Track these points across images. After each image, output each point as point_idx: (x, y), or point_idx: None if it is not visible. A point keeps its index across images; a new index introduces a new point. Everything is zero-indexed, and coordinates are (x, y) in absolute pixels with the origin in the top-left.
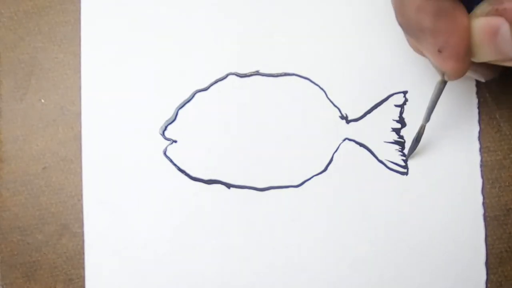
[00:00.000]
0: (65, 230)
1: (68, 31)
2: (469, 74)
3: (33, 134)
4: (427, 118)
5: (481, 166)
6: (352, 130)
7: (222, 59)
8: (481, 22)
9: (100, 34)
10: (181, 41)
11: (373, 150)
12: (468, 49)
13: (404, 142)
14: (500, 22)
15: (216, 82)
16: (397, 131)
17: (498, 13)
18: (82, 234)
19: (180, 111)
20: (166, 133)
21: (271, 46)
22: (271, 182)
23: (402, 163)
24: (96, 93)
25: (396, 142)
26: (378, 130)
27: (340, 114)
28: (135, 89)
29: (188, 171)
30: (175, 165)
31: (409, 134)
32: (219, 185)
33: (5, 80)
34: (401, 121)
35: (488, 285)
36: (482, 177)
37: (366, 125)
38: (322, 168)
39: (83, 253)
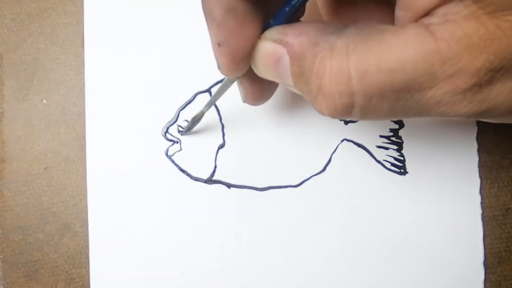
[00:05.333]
0: (67, 230)
1: (70, 33)
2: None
3: (35, 134)
4: (208, 106)
5: (479, 166)
6: (350, 131)
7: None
8: (267, 47)
9: (103, 35)
10: (182, 42)
11: (371, 150)
12: (245, 57)
13: (402, 142)
14: (282, 52)
15: (217, 83)
16: (394, 131)
17: (282, 43)
18: (83, 234)
19: (181, 112)
20: (167, 134)
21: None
22: (271, 182)
23: (400, 164)
24: (99, 95)
25: (394, 143)
26: (376, 131)
27: None
28: (137, 91)
29: (189, 171)
30: (176, 165)
31: (407, 135)
32: (220, 185)
33: (7, 81)
34: (399, 121)
35: (487, 284)
36: (481, 177)
37: (364, 126)
38: (321, 168)
39: (85, 253)
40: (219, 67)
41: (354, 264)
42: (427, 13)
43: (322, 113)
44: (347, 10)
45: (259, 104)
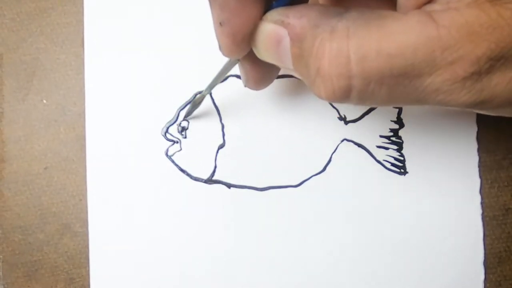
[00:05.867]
0: (67, 230)
1: (70, 33)
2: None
3: (35, 134)
4: (209, 90)
5: (479, 166)
6: (350, 131)
7: (223, 60)
8: (268, 28)
9: (103, 35)
10: (182, 42)
11: (371, 150)
12: (246, 38)
13: (402, 142)
14: (283, 34)
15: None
16: (395, 131)
17: (283, 25)
18: (83, 234)
19: (181, 112)
20: (167, 134)
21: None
22: (271, 182)
23: (400, 164)
24: (99, 94)
25: (394, 143)
26: (376, 131)
27: (338, 115)
28: (137, 90)
29: (189, 171)
30: (176, 165)
31: (407, 135)
32: (220, 185)
33: (7, 81)
34: (399, 121)
35: (487, 284)
36: (481, 177)
37: (364, 126)
38: (321, 169)
39: (85, 253)
40: (220, 48)
41: (354, 264)
42: (430, 0)
43: (320, 97)
44: None
45: (260, 88)
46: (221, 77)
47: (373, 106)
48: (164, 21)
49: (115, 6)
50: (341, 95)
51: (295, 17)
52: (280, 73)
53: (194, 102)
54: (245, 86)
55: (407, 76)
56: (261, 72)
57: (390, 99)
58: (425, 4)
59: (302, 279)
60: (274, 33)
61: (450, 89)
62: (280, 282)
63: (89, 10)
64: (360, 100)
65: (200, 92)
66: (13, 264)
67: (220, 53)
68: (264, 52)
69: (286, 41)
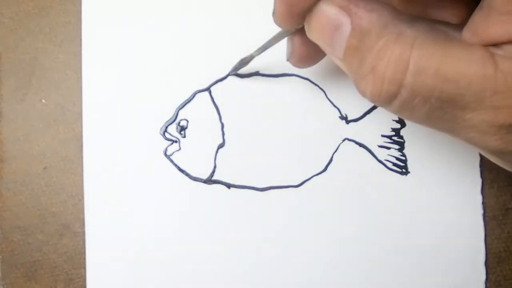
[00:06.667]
0: (66, 230)
1: (68, 32)
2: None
3: (34, 134)
4: (259, 52)
5: (480, 166)
6: (351, 130)
7: (222, 59)
8: (330, 10)
9: (101, 34)
10: (181, 41)
11: (372, 150)
12: (303, 12)
13: (404, 142)
14: (345, 21)
15: (216, 82)
16: (396, 131)
17: (349, 12)
18: (82, 234)
19: (180, 112)
20: (166, 133)
21: (271, 47)
22: (271, 182)
23: (402, 163)
24: (97, 94)
25: (395, 142)
26: (378, 130)
27: (340, 115)
28: (136, 89)
29: (188, 171)
30: (175, 165)
31: (409, 134)
32: (219, 185)
33: (6, 81)
34: (401, 121)
35: (487, 284)
36: (481, 177)
37: (366, 126)
38: (322, 168)
39: (84, 253)
40: (273, 14)
41: (355, 264)
42: (495, 44)
43: (363, 94)
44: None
45: (301, 67)
46: (273, 43)
47: (406, 119)
48: (162, 20)
49: (114, 5)
50: (385, 99)
51: (365, 9)
52: (285, 71)
53: (242, 61)
54: (287, 60)
55: (452, 103)
56: (307, 52)
57: (426, 119)
58: (490, 45)
59: (302, 279)
60: (335, 17)
61: (485, 130)
62: (280, 282)
63: (87, 9)
64: (400, 110)
65: (200, 91)
66: (12, 264)
67: (218, 52)
68: (316, 33)
69: (345, 30)
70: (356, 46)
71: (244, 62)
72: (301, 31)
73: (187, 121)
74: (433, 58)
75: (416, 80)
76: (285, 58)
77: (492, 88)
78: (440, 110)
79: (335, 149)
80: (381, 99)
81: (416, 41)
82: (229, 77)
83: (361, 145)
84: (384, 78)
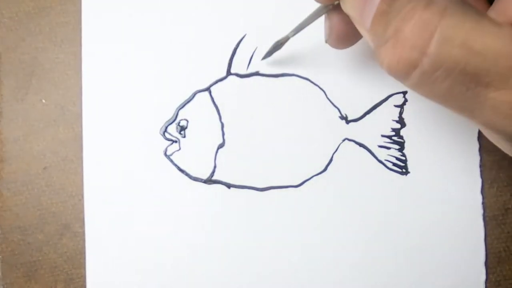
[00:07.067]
0: (66, 230)
1: (68, 32)
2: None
3: (34, 134)
4: (294, 33)
5: (481, 166)
6: (351, 130)
7: (222, 59)
8: None
9: (101, 34)
10: (181, 41)
11: (372, 150)
12: None
13: (404, 142)
14: None
15: (216, 82)
16: (396, 131)
17: None
18: (82, 234)
19: (180, 111)
20: (166, 133)
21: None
22: (271, 182)
23: (402, 163)
24: (97, 94)
25: (395, 142)
26: (378, 130)
27: (340, 115)
28: (136, 89)
29: (188, 171)
30: (175, 165)
31: (409, 135)
32: (219, 185)
33: (6, 81)
34: (401, 121)
35: (487, 284)
36: (481, 177)
37: (366, 126)
38: (322, 168)
39: (84, 253)
40: None
41: (355, 264)
42: None
43: (381, 63)
44: None
45: (340, 48)
46: (309, 21)
47: (423, 95)
48: (162, 20)
49: (113, 5)
50: (404, 68)
51: None
52: (285, 71)
53: (277, 43)
54: (325, 42)
55: (476, 79)
56: (345, 31)
57: (446, 95)
58: None
59: (303, 279)
60: None
61: (505, 112)
62: (280, 282)
63: (87, 9)
64: (418, 83)
65: (200, 91)
66: (12, 264)
67: (218, 52)
68: (349, 2)
69: (375, 2)
70: (385, 10)
71: (279, 44)
72: (338, 9)
73: (187, 121)
74: (461, 29)
75: (441, 49)
76: (284, 57)
77: None
78: (462, 85)
79: (335, 149)
80: (399, 68)
81: (446, 10)
82: (229, 77)
83: (361, 145)
84: (407, 43)
